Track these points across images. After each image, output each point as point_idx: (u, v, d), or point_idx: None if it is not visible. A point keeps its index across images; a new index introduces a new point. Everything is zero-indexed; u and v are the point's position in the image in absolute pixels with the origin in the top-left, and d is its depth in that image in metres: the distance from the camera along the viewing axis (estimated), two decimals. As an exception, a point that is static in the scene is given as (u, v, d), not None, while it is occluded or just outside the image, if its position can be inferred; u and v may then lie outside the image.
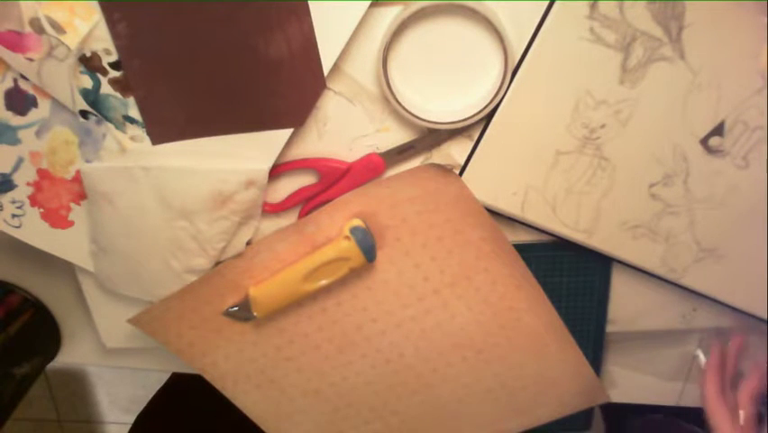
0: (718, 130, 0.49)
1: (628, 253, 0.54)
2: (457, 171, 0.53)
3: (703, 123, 0.48)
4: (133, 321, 0.60)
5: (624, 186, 0.51)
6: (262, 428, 0.67)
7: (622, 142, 0.50)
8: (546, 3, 0.46)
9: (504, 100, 0.49)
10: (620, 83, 0.48)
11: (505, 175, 0.52)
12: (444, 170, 0.52)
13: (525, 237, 0.56)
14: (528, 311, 0.58)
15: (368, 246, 0.54)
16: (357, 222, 0.54)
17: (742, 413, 0.55)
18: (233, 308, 0.58)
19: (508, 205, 0.53)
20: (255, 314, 0.57)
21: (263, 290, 0.57)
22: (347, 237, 0.54)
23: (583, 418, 0.67)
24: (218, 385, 0.64)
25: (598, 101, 0.48)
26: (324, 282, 0.56)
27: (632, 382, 0.65)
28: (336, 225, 0.55)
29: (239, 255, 0.56)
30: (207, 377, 0.64)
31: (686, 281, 0.55)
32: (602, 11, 0.45)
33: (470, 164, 0.52)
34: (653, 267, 0.54)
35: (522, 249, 0.56)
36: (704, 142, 0.49)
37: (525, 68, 0.48)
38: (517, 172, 0.52)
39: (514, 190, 0.52)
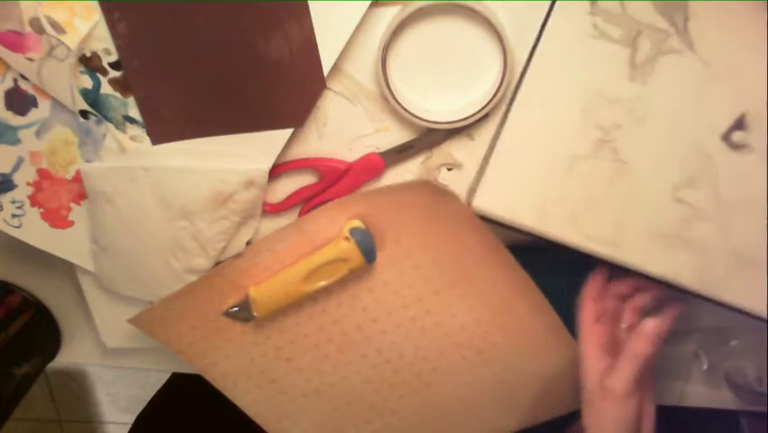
0: (740, 124, 0.46)
1: (660, 267, 0.50)
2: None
3: (723, 117, 0.46)
4: (134, 321, 0.60)
5: (646, 191, 0.48)
6: (263, 427, 0.67)
7: (639, 143, 0.47)
8: (547, 3, 0.46)
9: (513, 107, 0.48)
10: (631, 79, 0.46)
11: (520, 187, 0.50)
12: (440, 189, 0.51)
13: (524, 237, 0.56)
14: (528, 313, 0.58)
15: (367, 247, 0.54)
16: (357, 223, 0.54)
17: (624, 326, 0.53)
18: (233, 308, 0.58)
19: (527, 219, 0.50)
20: (255, 314, 0.57)
21: (263, 291, 0.57)
22: (347, 238, 0.54)
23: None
24: (218, 385, 0.64)
25: (610, 100, 0.47)
26: (323, 283, 0.56)
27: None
28: (336, 225, 0.55)
29: (239, 255, 0.56)
30: (208, 377, 0.64)
31: (725, 297, 0.49)
32: (603, 7, 0.45)
33: (483, 178, 0.50)
34: (686, 281, 0.49)
35: (522, 249, 0.55)
36: (726, 137, 0.46)
37: (531, 71, 0.47)
38: (533, 183, 0.49)
39: (531, 203, 0.50)
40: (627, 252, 0.50)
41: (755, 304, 0.49)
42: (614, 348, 0.52)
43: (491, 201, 0.50)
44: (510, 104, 0.48)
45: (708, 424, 0.75)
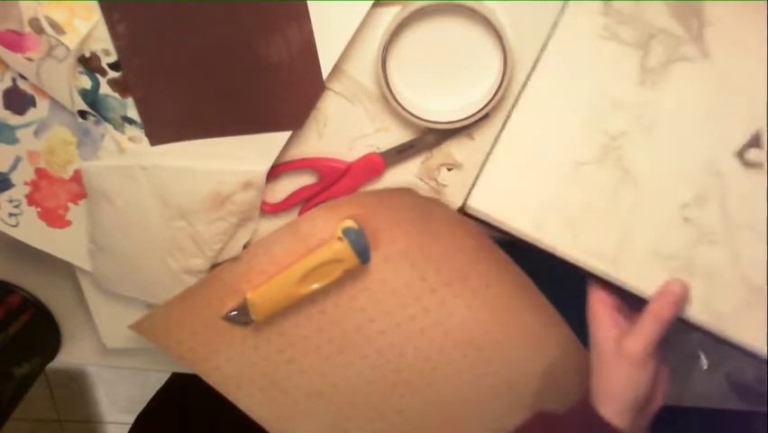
0: (756, 140, 0.43)
1: None
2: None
3: (737, 132, 0.43)
4: (134, 327, 0.60)
5: (651, 205, 0.45)
6: (267, 429, 0.67)
7: (646, 153, 0.45)
8: (548, 3, 0.46)
9: (517, 105, 0.46)
10: (640, 84, 0.44)
11: (518, 190, 0.47)
12: (423, 197, 0.51)
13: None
14: (526, 309, 0.58)
15: (361, 247, 0.54)
16: (349, 223, 0.54)
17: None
18: (232, 312, 0.58)
19: (522, 224, 0.48)
20: (254, 318, 0.57)
21: (260, 294, 0.57)
22: (340, 239, 0.54)
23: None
24: (221, 390, 0.64)
25: (618, 104, 0.45)
26: (319, 285, 0.56)
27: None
28: (330, 226, 0.55)
29: (236, 259, 0.56)
30: (210, 382, 0.63)
31: (734, 333, 0.45)
32: (616, 7, 0.43)
33: (481, 177, 0.48)
34: (694, 313, 0.46)
35: (520, 247, 0.55)
36: (741, 155, 0.43)
37: (539, 70, 0.46)
38: (532, 186, 0.47)
39: (528, 207, 0.47)
40: (627, 271, 0.47)
41: (763, 341, 0.45)
42: (624, 313, 0.49)
43: (487, 202, 0.48)
44: (515, 102, 0.47)
45: (720, 424, 0.75)
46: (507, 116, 0.48)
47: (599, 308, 0.49)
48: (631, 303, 0.49)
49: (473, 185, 0.49)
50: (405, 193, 0.52)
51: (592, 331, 0.49)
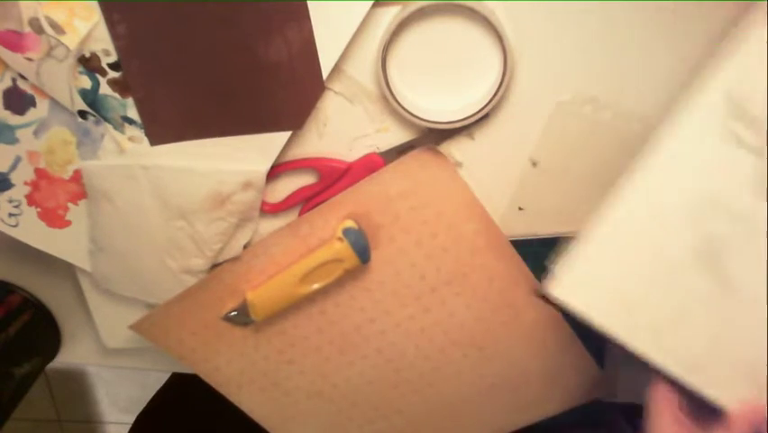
0: None
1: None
2: (458, 169, 0.52)
3: None
4: (135, 327, 0.60)
5: (747, 317, 0.43)
6: (268, 430, 0.67)
7: (750, 264, 0.42)
8: (548, 2, 0.46)
9: (620, 198, 0.44)
10: (756, 193, 0.41)
11: (606, 285, 0.45)
12: (435, 153, 0.51)
13: (521, 232, 0.56)
14: (527, 307, 0.58)
15: (361, 247, 0.54)
16: (349, 223, 0.54)
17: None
18: (231, 312, 0.58)
19: (606, 319, 0.45)
20: (254, 318, 0.57)
21: (260, 295, 0.57)
22: (340, 239, 0.54)
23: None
24: (222, 390, 0.64)
25: (726, 209, 0.42)
26: (319, 285, 0.56)
27: (634, 382, 0.65)
28: (330, 226, 0.55)
29: (236, 259, 0.56)
30: (211, 382, 0.64)
31: None
32: (743, 107, 0.40)
33: (568, 267, 0.45)
34: None
35: (519, 245, 0.55)
36: None
37: (646, 163, 0.43)
38: (622, 283, 0.45)
39: (615, 304, 0.45)
40: (707, 379, 0.44)
41: None
42: (685, 411, 0.47)
43: (571, 293, 0.45)
44: (616, 194, 0.44)
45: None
46: (605, 210, 0.45)
47: (662, 404, 0.46)
48: (695, 399, 0.47)
49: (555, 271, 0.46)
50: (407, 170, 0.52)
51: (651, 426, 0.47)
